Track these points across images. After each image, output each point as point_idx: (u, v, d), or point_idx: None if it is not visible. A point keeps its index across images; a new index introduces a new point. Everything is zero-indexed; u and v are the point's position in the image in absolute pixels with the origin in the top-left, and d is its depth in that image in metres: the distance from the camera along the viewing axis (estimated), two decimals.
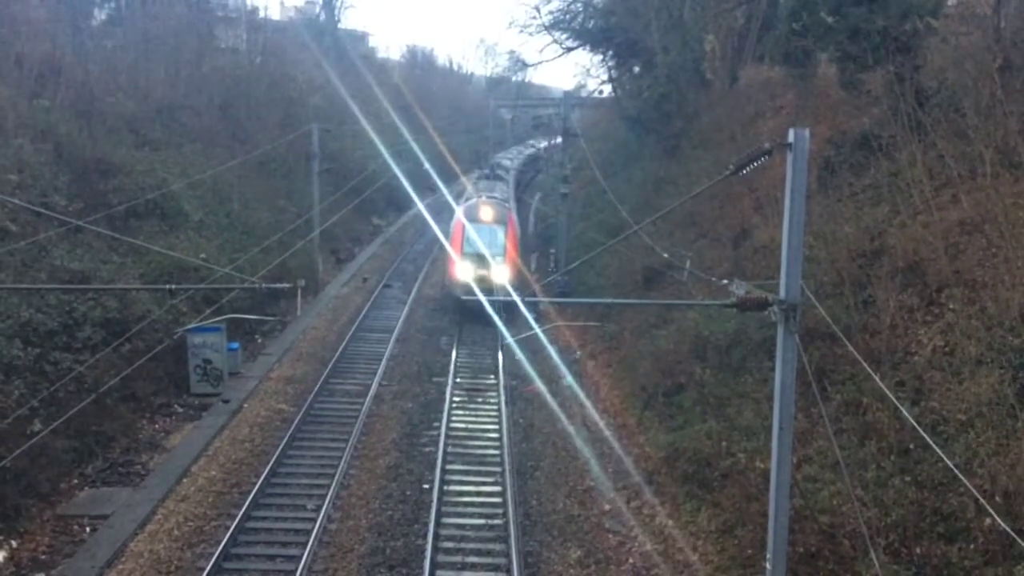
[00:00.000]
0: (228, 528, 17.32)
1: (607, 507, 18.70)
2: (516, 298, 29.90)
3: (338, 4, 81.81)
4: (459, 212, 35.84)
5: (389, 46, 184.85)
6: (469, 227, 33.81)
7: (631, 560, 16.58)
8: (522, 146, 79.79)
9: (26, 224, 22.40)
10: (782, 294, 10.31)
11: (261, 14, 68.02)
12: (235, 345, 26.56)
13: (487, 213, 34.16)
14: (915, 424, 10.55)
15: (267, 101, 46.54)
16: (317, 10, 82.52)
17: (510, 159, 65.95)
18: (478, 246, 32.95)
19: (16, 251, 20.45)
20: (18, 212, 21.97)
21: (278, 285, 16.56)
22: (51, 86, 30.61)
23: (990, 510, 9.30)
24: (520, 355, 28.24)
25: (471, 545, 17.28)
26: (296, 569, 16.01)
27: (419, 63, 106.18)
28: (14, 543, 16.58)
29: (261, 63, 51.67)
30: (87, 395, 18.58)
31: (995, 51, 18.74)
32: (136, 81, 36.90)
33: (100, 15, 49.69)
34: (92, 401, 18.35)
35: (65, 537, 17.15)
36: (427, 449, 21.82)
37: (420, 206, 52.05)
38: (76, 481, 19.14)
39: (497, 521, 18.22)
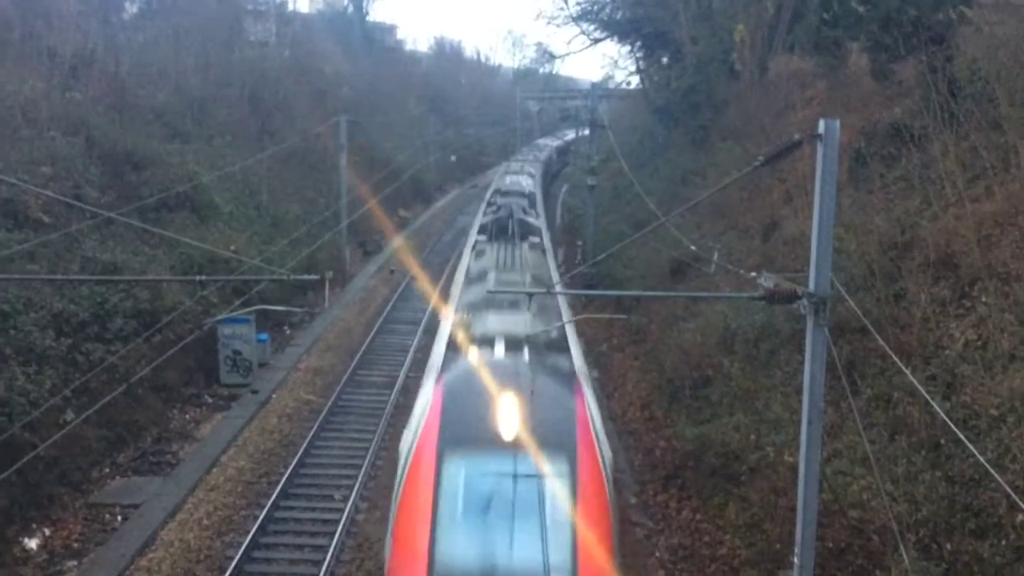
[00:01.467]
0: (257, 518, 17.49)
1: (633, 500, 18.66)
2: None
3: None
4: (425, 408, 12.09)
5: (417, 38, 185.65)
6: (458, 485, 10.68)
7: (657, 553, 16.54)
8: (548, 140, 79.12)
9: (59, 216, 22.66)
10: (811, 287, 10.21)
11: (290, 7, 68.41)
12: (264, 336, 26.77)
13: (510, 423, 11.05)
14: (946, 419, 10.41)
15: (296, 94, 46.80)
16: (345, 3, 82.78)
17: (533, 162, 53.63)
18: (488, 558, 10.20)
19: (49, 243, 20.69)
20: (51, 204, 22.23)
21: (306, 277, 16.60)
22: (83, 79, 30.91)
23: (1022, 506, 9.17)
24: None
25: None
26: (324, 559, 16.13)
27: (447, 55, 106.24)
28: (47, 531, 16.83)
29: (290, 56, 51.94)
30: (118, 385, 18.77)
31: None
32: (167, 74, 37.19)
33: (131, 8, 50.09)
34: (123, 391, 18.55)
35: (97, 525, 17.40)
36: None
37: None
38: (108, 470, 19.40)
39: None
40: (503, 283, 17.45)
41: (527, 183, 38.00)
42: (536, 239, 24.03)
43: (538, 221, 28.48)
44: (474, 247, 23.22)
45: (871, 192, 20.06)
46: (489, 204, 31.06)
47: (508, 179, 38.90)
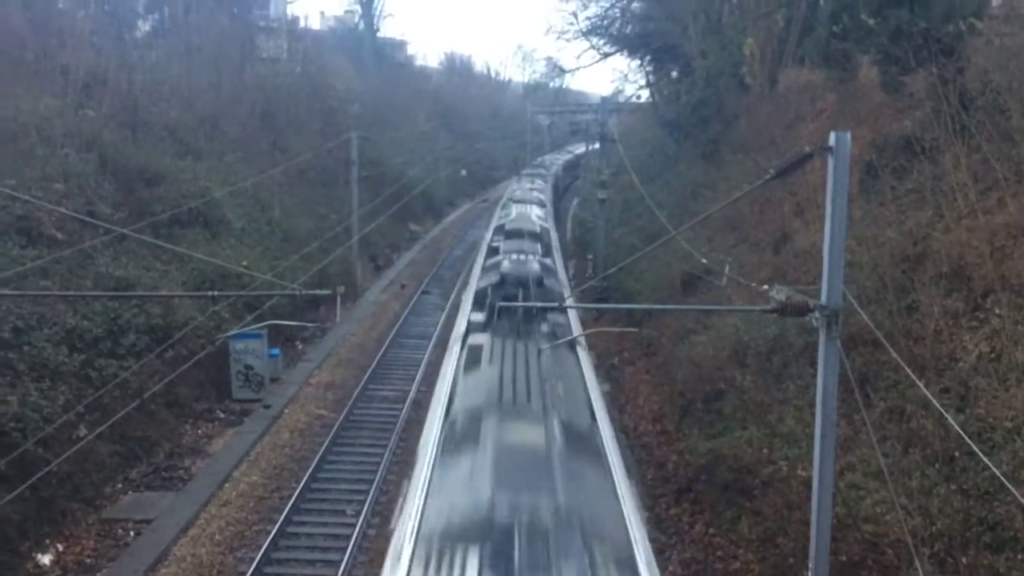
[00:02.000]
0: (269, 533, 17.48)
1: (646, 514, 18.59)
2: None
3: (377, 13, 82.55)
4: None
5: (427, 54, 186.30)
6: None
7: (671, 568, 16.46)
8: (555, 155, 78.81)
9: (72, 232, 22.80)
10: (824, 299, 10.18)
11: (301, 24, 68.84)
12: (276, 351, 26.82)
13: None
14: (961, 431, 10.35)
15: (307, 110, 47.04)
16: (356, 19, 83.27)
17: (542, 178, 48.14)
18: None
19: (62, 259, 20.82)
20: (64, 221, 22.37)
21: (318, 292, 16.68)
22: (96, 96, 31.14)
23: None
24: None
25: None
26: (336, 574, 16.10)
27: (457, 70, 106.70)
28: (60, 546, 16.86)
29: (301, 72, 52.21)
30: (131, 401, 18.86)
31: None
32: (179, 91, 37.46)
33: (144, 26, 50.58)
34: (136, 406, 18.62)
35: (109, 541, 17.41)
36: None
37: None
38: (120, 485, 19.43)
39: None
40: (510, 468, 9.03)
41: (538, 216, 30.51)
42: (563, 320, 15.91)
43: (559, 280, 19.90)
44: (464, 340, 14.23)
45: (882, 204, 20.01)
46: (490, 251, 22.73)
47: (514, 211, 31.20)
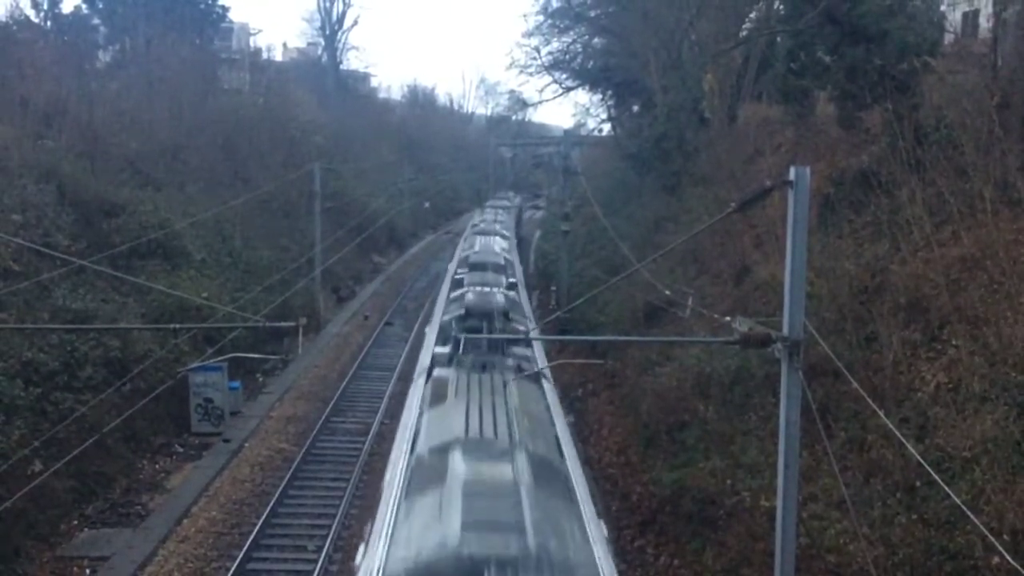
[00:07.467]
0: (228, 570, 17.20)
1: (610, 546, 18.52)
2: None
3: (340, 46, 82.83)
4: None
5: (391, 86, 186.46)
6: None
7: None
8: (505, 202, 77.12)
9: (29, 264, 22.44)
10: (785, 331, 10.29)
11: (264, 56, 68.81)
12: (236, 384, 26.50)
13: None
14: (921, 460, 10.48)
15: (270, 141, 46.88)
16: (320, 52, 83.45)
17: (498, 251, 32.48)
18: None
19: (19, 291, 20.47)
20: (21, 252, 22.03)
21: (280, 324, 16.53)
22: (56, 127, 30.85)
23: (999, 547, 9.21)
24: None
25: None
26: None
27: (420, 102, 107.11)
28: None
29: (264, 104, 52.13)
30: (88, 435, 18.50)
31: (992, 89, 18.89)
32: (140, 122, 37.18)
33: (105, 57, 50.33)
34: (93, 441, 18.27)
35: None
36: None
37: None
38: (76, 522, 19.02)
39: None
40: None
41: (501, 248, 26.72)
42: (528, 352, 14.25)
43: (524, 313, 16.43)
44: (429, 374, 11.72)
45: (840, 237, 20.33)
46: (454, 284, 18.78)
47: (478, 244, 26.45)
